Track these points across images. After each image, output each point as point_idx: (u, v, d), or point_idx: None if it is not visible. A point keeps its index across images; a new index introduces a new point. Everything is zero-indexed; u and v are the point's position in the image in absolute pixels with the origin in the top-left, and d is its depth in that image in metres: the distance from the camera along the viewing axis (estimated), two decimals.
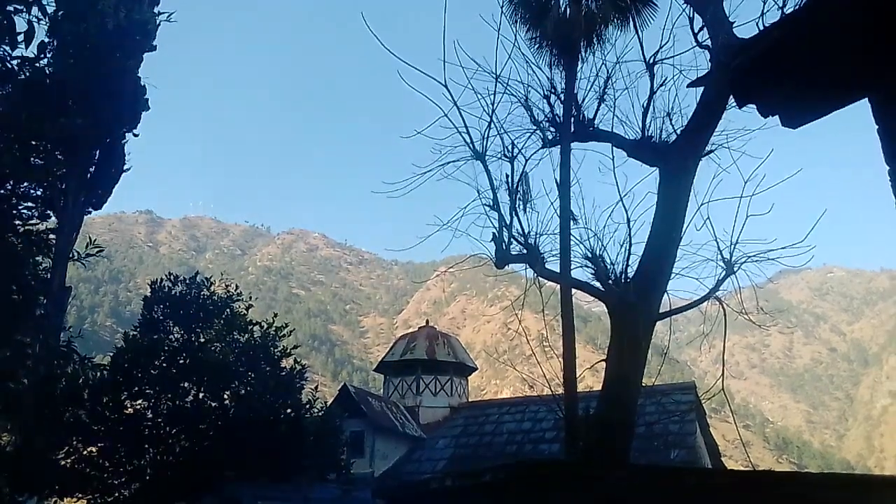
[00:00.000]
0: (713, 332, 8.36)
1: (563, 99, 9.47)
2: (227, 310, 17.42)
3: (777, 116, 3.11)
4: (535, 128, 9.55)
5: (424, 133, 9.24)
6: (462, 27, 9.90)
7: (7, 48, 7.01)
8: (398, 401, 22.59)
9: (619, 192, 8.38)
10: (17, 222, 15.83)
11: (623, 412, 7.74)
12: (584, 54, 9.64)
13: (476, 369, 25.81)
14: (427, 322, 26.16)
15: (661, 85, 8.78)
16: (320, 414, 17.82)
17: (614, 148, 8.95)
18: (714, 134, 8.37)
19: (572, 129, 9.34)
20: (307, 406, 17.39)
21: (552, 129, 9.58)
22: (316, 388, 18.87)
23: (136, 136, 19.42)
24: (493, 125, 9.33)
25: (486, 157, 9.40)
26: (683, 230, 8.17)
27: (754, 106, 3.20)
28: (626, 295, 7.94)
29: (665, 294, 8.22)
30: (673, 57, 8.70)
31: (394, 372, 23.61)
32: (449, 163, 9.33)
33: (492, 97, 9.23)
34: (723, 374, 8.14)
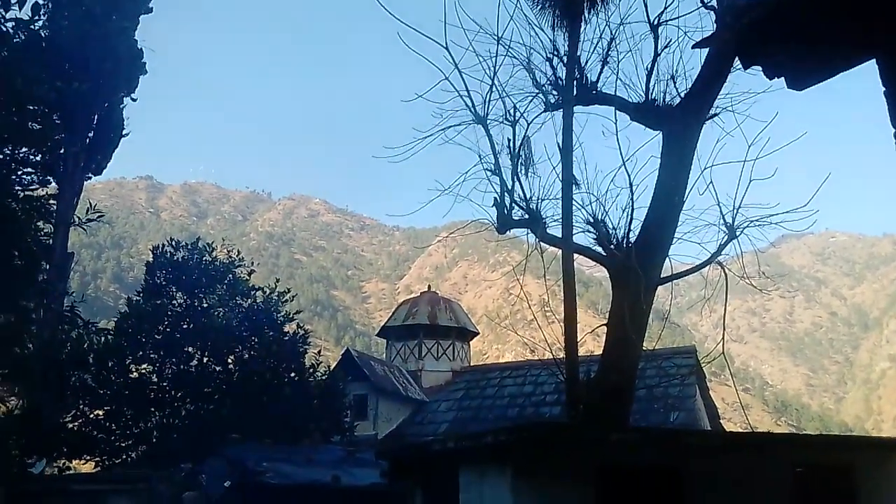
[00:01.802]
0: (714, 297, 8.36)
1: (565, 61, 9.32)
2: (230, 275, 17.51)
3: (783, 78, 3.07)
4: (537, 91, 9.41)
5: (425, 97, 9.10)
6: None
7: (1, 10, 6.87)
8: (401, 365, 22.79)
9: (622, 156, 8.29)
10: (17, 188, 15.78)
11: (623, 376, 7.81)
12: (587, 15, 9.45)
13: (478, 334, 25.97)
14: (429, 287, 26.23)
15: (666, 47, 8.62)
16: (324, 378, 18.03)
17: (617, 111, 8.83)
18: (718, 97, 8.27)
19: (575, 92, 9.21)
20: (310, 370, 17.60)
21: (554, 92, 9.44)
22: (319, 352, 19.07)
23: (134, 100, 19.29)
24: (494, 88, 9.20)
25: (488, 122, 9.29)
26: (686, 194, 8.13)
27: (760, 68, 3.15)
28: (627, 260, 7.94)
29: (667, 259, 8.22)
30: (678, 18, 8.53)
31: (396, 337, 23.78)
32: (450, 127, 9.22)
33: (494, 60, 9.07)
34: (723, 338, 8.18)
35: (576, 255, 8.83)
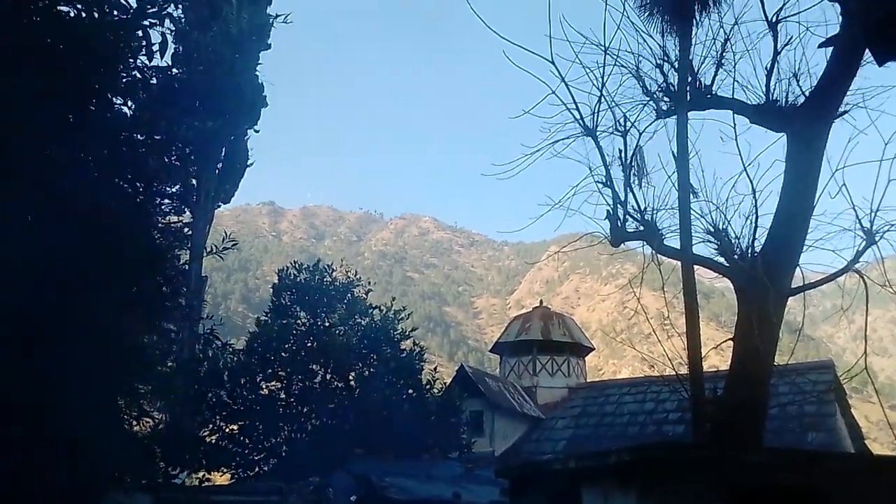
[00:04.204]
0: (852, 307, 7.76)
1: (676, 66, 9.03)
2: (349, 295, 18.20)
3: None
4: (647, 99, 9.17)
5: (532, 112, 9.10)
6: (567, 1, 9.67)
7: (144, 59, 7.61)
8: (515, 381, 22.69)
9: (743, 161, 7.89)
10: (157, 218, 17.27)
11: (754, 392, 7.39)
12: (698, 18, 9.12)
13: (593, 349, 25.42)
14: (541, 302, 26.00)
15: (786, 44, 8.16)
16: (440, 394, 18.28)
17: (735, 115, 8.45)
18: (847, 93, 7.72)
19: (688, 97, 8.89)
20: (427, 387, 17.89)
21: (666, 98, 9.17)
22: (435, 368, 19.36)
23: (256, 132, 20.65)
24: (603, 99, 9.04)
25: (598, 133, 9.13)
26: (816, 199, 7.62)
27: None
28: (753, 270, 7.54)
29: (797, 268, 7.73)
30: (798, 14, 8.04)
31: (509, 352, 23.71)
32: (558, 141, 9.14)
33: (601, 70, 8.94)
34: (865, 350, 7.56)
35: (696, 267, 8.49)
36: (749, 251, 7.89)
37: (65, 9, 6.65)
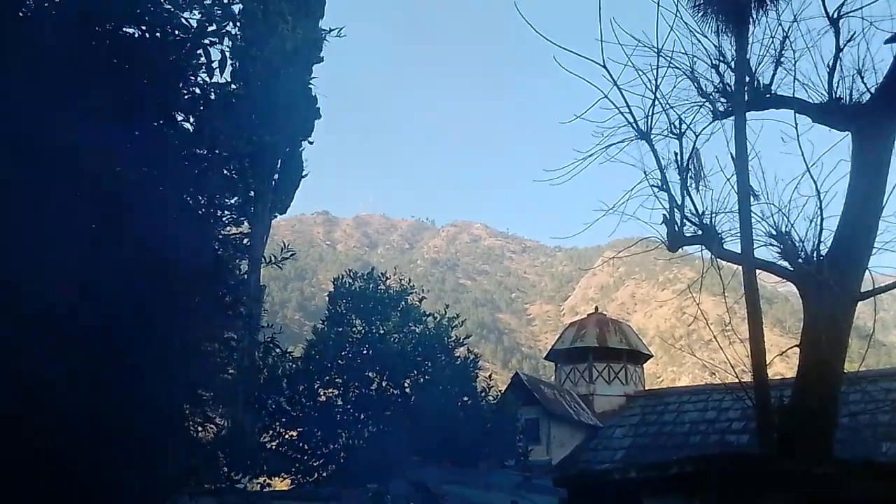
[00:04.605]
0: None
1: (733, 66, 8.83)
2: (402, 302, 18.34)
3: None
4: (703, 100, 9.00)
5: (584, 117, 9.02)
6: (619, 3, 9.56)
7: (205, 76, 7.87)
8: (571, 389, 22.42)
9: (806, 162, 7.67)
10: (218, 230, 17.83)
11: (823, 401, 7.13)
12: (755, 16, 8.90)
13: (651, 356, 24.93)
14: (596, 308, 25.65)
15: (849, 40, 7.89)
16: (495, 402, 18.23)
17: (797, 114, 8.21)
18: None
19: (746, 97, 8.68)
20: (482, 394, 17.86)
21: (723, 99, 8.98)
22: (490, 376, 19.32)
23: (310, 143, 21.08)
24: (657, 102, 8.91)
25: (652, 136, 9.00)
26: (885, 199, 7.33)
27: None
28: (819, 274, 7.29)
29: (866, 271, 7.44)
30: (860, 8, 7.77)
31: (564, 360, 23.45)
32: (612, 145, 9.04)
33: (654, 72, 8.81)
34: None
35: (758, 271, 8.25)
36: (814, 254, 7.64)
37: (130, 31, 6.94)
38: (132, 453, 6.45)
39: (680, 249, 9.17)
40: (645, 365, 24.33)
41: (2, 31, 5.69)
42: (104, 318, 5.85)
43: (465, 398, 17.40)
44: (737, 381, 8.01)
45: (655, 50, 8.70)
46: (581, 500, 8.62)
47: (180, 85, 7.56)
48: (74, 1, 6.35)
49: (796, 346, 7.56)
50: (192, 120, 7.88)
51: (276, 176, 20.44)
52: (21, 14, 6.18)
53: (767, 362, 7.77)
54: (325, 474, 16.71)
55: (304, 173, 21.05)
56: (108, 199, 6.10)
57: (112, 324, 5.93)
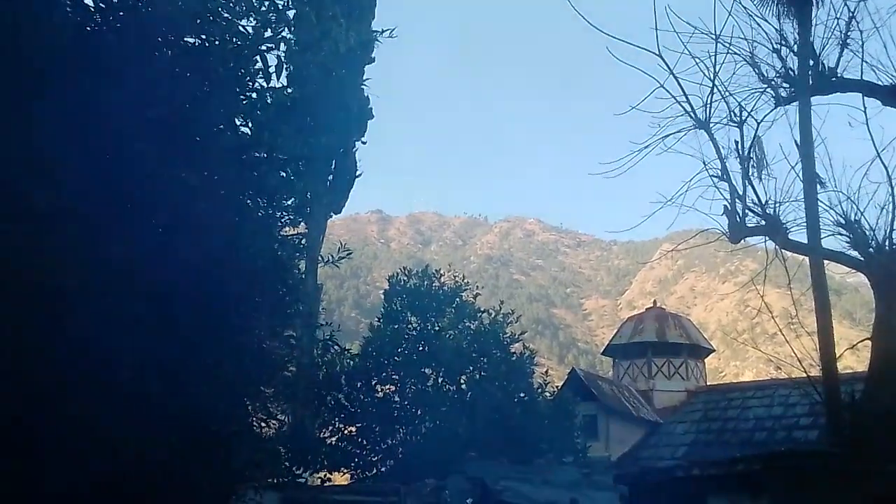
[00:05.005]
0: None
1: (796, 50, 8.53)
2: (457, 299, 18.40)
3: None
4: (765, 86, 8.73)
5: (640, 108, 8.86)
6: None
7: (262, 81, 8.11)
8: (629, 384, 22.08)
9: (876, 147, 7.37)
10: (277, 231, 18.29)
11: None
12: None
13: (712, 350, 24.34)
14: (654, 302, 25.17)
15: None
16: (552, 398, 18.12)
17: (865, 98, 7.88)
18: None
19: (810, 81, 8.38)
20: (539, 390, 17.77)
21: (786, 84, 8.69)
22: (546, 372, 19.21)
23: (364, 143, 21.35)
24: (715, 89, 8.70)
25: (711, 125, 8.80)
26: None
27: None
28: (892, 264, 6.98)
29: None
30: None
31: (622, 355, 23.11)
32: (669, 135, 8.87)
33: (712, 59, 8.59)
34: None
35: (825, 261, 7.96)
36: (886, 243, 7.34)
37: (190, 41, 7.19)
38: (200, 449, 6.70)
39: (742, 241, 8.93)
40: (706, 360, 23.76)
41: (71, 46, 5.95)
42: (170, 319, 6.09)
43: (522, 394, 17.34)
44: (804, 375, 7.75)
45: (713, 36, 8.50)
46: (642, 498, 8.50)
47: (238, 90, 7.79)
48: (138, 14, 6.60)
49: (867, 338, 7.28)
50: (250, 124, 8.10)
51: (330, 176, 20.79)
52: (89, 28, 6.46)
53: (837, 356, 7.50)
54: (383, 469, 16.93)
55: (357, 173, 21.33)
56: (172, 206, 6.34)
57: (177, 324, 6.18)
